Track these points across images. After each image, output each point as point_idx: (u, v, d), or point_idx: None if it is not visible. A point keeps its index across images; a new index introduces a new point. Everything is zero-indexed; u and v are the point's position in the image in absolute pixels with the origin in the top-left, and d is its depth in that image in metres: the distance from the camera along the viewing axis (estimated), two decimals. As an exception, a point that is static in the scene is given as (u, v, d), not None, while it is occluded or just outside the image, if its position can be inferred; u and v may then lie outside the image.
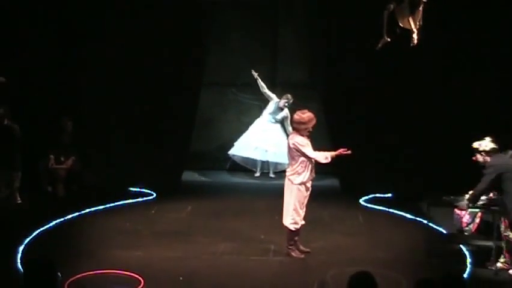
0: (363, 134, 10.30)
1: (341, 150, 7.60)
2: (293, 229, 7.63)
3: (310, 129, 7.56)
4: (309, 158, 7.47)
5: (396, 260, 7.66)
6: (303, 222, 7.72)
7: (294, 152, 7.49)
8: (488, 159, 7.10)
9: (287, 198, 7.64)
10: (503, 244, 7.30)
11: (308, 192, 7.70)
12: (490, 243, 7.42)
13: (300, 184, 7.56)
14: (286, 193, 7.66)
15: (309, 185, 7.65)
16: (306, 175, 7.56)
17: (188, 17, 10.29)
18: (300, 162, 7.50)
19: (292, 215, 7.57)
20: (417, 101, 9.99)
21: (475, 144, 7.17)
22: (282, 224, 7.71)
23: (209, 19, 10.70)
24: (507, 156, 7.21)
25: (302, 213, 7.60)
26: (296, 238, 7.81)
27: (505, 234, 7.26)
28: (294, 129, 7.73)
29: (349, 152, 7.60)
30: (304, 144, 7.48)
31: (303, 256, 7.72)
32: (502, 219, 7.29)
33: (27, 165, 9.48)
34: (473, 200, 7.25)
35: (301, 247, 7.84)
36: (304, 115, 7.53)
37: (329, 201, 9.66)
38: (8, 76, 9.45)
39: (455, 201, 7.74)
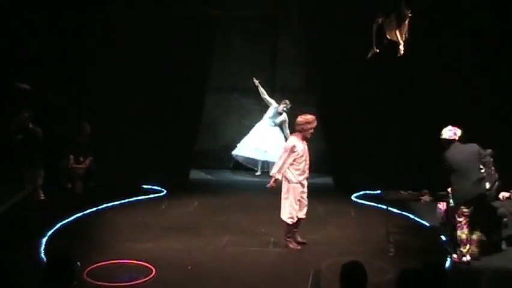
0: (355, 136, 10.35)
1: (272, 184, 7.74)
2: (290, 223, 7.70)
3: (313, 130, 7.65)
4: (300, 158, 7.57)
5: (384, 250, 7.68)
6: (303, 216, 7.80)
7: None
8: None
9: (284, 195, 7.72)
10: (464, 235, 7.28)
11: (304, 189, 7.77)
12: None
13: (296, 183, 7.63)
14: (283, 190, 7.74)
15: (304, 182, 7.72)
16: (300, 173, 7.64)
17: (195, 28, 10.30)
18: (295, 161, 7.59)
19: (289, 210, 7.66)
20: (406, 104, 9.99)
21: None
22: (281, 218, 7.79)
23: (214, 30, 10.74)
24: (465, 148, 7.17)
25: (297, 208, 7.65)
26: (295, 230, 7.88)
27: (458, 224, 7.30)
28: (299, 130, 7.69)
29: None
30: (287, 149, 7.60)
31: (299, 247, 7.77)
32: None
33: (49, 165, 9.52)
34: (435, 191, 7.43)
35: (299, 238, 7.90)
36: (308, 116, 7.65)
37: (324, 198, 9.65)
38: (32, 84, 9.51)
39: (410, 196, 7.86)
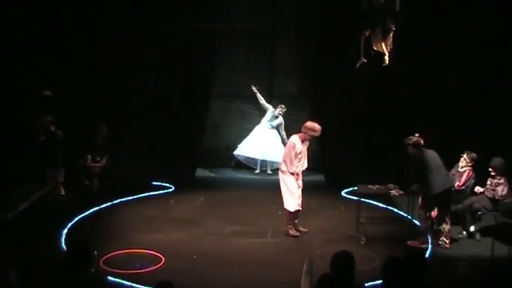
0: (345, 138, 10.35)
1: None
2: (292, 210, 7.77)
3: (313, 138, 7.79)
4: (298, 155, 7.71)
5: (371, 240, 7.74)
6: (299, 208, 7.87)
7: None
8: (414, 151, 7.40)
9: (282, 187, 7.81)
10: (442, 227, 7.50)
11: (299, 182, 7.83)
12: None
13: (290, 173, 7.74)
14: (281, 183, 7.84)
15: (299, 175, 7.79)
16: (296, 167, 7.73)
17: (201, 41, 10.32)
18: (288, 157, 7.74)
19: (291, 198, 7.75)
20: (394, 107, 10.00)
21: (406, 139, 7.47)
22: (282, 209, 7.88)
23: (217, 42, 10.75)
24: (432, 151, 7.42)
25: (298, 194, 7.78)
26: (296, 221, 7.95)
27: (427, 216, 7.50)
28: (303, 132, 7.78)
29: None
30: (290, 148, 7.74)
31: (298, 234, 7.85)
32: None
33: (68, 164, 9.54)
34: (406, 187, 7.54)
35: (301, 228, 7.99)
36: (316, 125, 7.72)
37: (316, 193, 9.65)
38: (53, 90, 9.53)
39: (379, 190, 7.93)
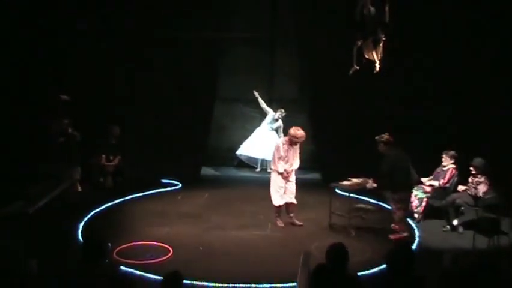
0: (340, 139, 10.35)
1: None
2: (276, 205, 7.95)
3: (299, 143, 7.86)
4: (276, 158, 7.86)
5: (363, 234, 7.74)
6: (291, 200, 7.98)
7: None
8: (384, 149, 7.49)
9: (271, 184, 8.02)
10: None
11: (289, 179, 7.94)
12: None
13: (278, 173, 7.87)
14: (271, 180, 8.03)
15: (286, 174, 7.88)
16: (282, 166, 7.83)
17: (206, 48, 10.33)
18: (273, 158, 7.91)
19: (273, 194, 7.94)
20: (382, 109, 9.97)
21: (376, 137, 7.61)
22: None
23: (221, 50, 10.77)
24: (398, 150, 7.51)
25: (281, 192, 7.89)
26: (291, 214, 8.05)
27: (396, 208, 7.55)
28: (289, 137, 7.90)
29: None
30: (275, 150, 7.90)
31: (283, 225, 7.98)
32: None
33: (84, 163, 9.55)
34: (380, 182, 7.58)
35: (296, 221, 8.06)
36: (299, 133, 7.78)
37: (313, 190, 9.64)
38: (71, 95, 9.56)
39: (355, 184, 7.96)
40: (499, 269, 4.14)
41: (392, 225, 7.68)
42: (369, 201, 8.58)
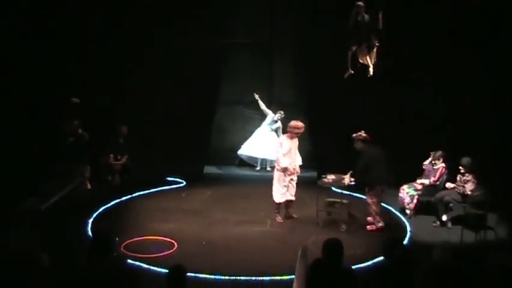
0: (335, 139, 10.32)
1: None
2: (277, 202, 7.98)
3: (299, 134, 7.89)
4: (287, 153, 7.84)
5: (357, 229, 7.74)
6: (291, 198, 8.02)
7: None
8: (361, 146, 7.58)
9: (274, 181, 8.01)
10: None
11: (292, 177, 7.95)
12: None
13: (280, 170, 7.87)
14: (274, 178, 8.02)
15: (290, 171, 7.88)
16: (287, 163, 7.85)
17: (208, 53, 10.33)
18: (277, 155, 7.92)
19: (276, 192, 7.95)
20: (374, 111, 9.99)
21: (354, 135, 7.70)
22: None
23: (223, 55, 10.76)
24: (375, 148, 7.56)
25: (284, 191, 7.92)
26: (289, 209, 8.10)
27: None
28: (289, 131, 7.97)
29: None
30: (279, 145, 7.92)
31: (282, 221, 8.01)
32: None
33: (94, 161, 9.54)
34: (357, 178, 7.66)
35: (293, 214, 8.14)
36: (299, 123, 7.90)
37: (310, 187, 9.57)
38: (81, 97, 9.56)
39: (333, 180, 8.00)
40: (483, 261, 4.15)
41: (368, 218, 7.70)
42: (345, 195, 8.43)
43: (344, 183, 7.84)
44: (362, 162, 7.46)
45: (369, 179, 7.53)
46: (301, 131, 7.92)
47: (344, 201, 8.05)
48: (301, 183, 8.29)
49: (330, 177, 8.05)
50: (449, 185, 8.01)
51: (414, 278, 4.15)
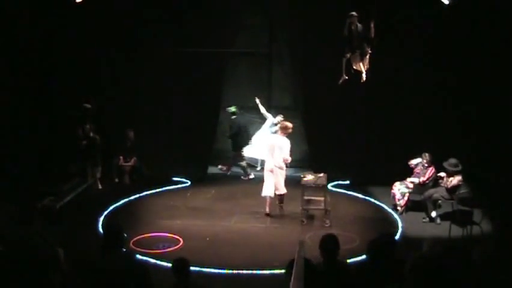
0: (331, 140, 10.34)
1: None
2: (284, 193, 8.12)
3: (288, 133, 8.17)
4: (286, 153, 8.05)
5: (352, 225, 7.75)
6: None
7: (277, 149, 8.10)
8: None
9: (281, 178, 8.12)
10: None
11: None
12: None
13: (281, 168, 8.07)
14: (279, 173, 8.11)
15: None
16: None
17: (211, 62, 10.32)
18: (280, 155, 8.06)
19: (284, 184, 8.11)
20: (368, 113, 10.01)
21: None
22: (279, 193, 8.14)
23: (225, 63, 10.76)
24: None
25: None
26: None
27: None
28: (282, 132, 8.17)
29: None
30: (288, 146, 8.09)
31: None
32: None
33: (105, 163, 9.56)
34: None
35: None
36: (289, 124, 8.25)
37: (306, 186, 9.63)
38: (92, 103, 9.55)
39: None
40: (468, 253, 4.15)
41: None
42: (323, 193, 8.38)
43: (319, 182, 7.89)
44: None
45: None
46: (291, 130, 8.24)
47: (319, 198, 8.00)
48: (298, 183, 8.26)
49: (308, 177, 8.07)
50: (440, 174, 7.94)
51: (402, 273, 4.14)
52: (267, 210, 8.11)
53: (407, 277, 3.89)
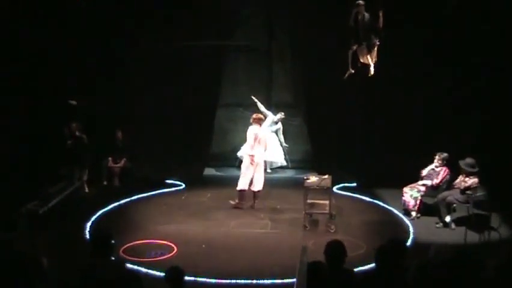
0: (335, 138, 10.33)
1: None
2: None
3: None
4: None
5: (359, 230, 7.70)
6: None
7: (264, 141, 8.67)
8: None
9: (260, 171, 8.60)
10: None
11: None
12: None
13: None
14: (260, 168, 8.58)
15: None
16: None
17: (209, 58, 10.31)
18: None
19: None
20: (374, 111, 9.99)
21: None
22: (257, 190, 8.52)
23: (224, 59, 10.76)
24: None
25: None
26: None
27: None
28: (256, 122, 8.68)
29: None
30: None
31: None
32: None
33: (93, 164, 9.51)
34: None
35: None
36: (260, 115, 8.85)
37: (310, 189, 9.63)
38: (81, 101, 9.52)
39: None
40: (478, 261, 4.09)
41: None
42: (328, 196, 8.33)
43: (324, 184, 7.79)
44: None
45: None
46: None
47: (323, 201, 7.90)
48: (300, 185, 8.22)
49: (312, 179, 8.00)
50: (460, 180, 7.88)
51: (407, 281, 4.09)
52: (238, 202, 8.51)
53: (410, 285, 3.85)
